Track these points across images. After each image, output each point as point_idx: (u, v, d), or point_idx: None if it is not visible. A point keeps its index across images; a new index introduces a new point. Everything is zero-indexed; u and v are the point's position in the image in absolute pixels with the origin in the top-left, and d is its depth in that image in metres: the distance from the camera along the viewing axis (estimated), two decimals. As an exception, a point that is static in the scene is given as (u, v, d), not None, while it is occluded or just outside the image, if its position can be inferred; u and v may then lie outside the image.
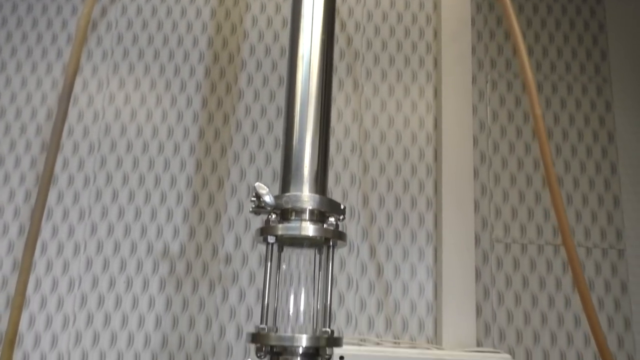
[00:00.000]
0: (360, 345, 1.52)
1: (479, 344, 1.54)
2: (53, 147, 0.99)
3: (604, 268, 1.61)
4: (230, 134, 1.69)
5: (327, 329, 0.86)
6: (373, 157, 1.69)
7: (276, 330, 0.89)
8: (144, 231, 1.62)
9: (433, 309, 1.59)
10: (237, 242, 1.62)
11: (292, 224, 0.90)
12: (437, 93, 1.72)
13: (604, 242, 1.63)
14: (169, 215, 1.63)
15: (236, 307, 1.58)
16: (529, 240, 1.64)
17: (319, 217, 0.92)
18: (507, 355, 1.45)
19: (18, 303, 0.84)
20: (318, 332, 0.88)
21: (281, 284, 0.94)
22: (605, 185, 1.66)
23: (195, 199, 1.65)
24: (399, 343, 1.55)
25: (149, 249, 1.61)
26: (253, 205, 0.91)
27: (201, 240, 1.62)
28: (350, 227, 1.63)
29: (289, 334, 0.88)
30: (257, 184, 0.89)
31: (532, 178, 1.68)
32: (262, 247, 1.62)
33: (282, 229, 0.89)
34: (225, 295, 1.59)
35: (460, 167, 1.63)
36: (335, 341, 0.87)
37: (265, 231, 0.90)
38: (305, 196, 0.91)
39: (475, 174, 1.65)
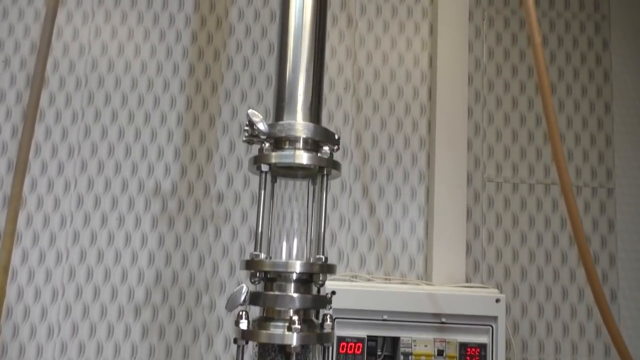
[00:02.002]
0: (352, 281, 1.55)
1: (468, 281, 1.57)
2: (37, 82, 0.96)
3: (592, 206, 1.63)
4: (221, 71, 1.66)
5: (321, 256, 0.87)
6: (366, 96, 1.67)
7: (270, 258, 0.90)
8: (134, 169, 1.60)
9: (424, 247, 1.61)
10: (229, 180, 1.61)
11: (286, 152, 0.89)
12: (432, 30, 1.68)
13: (594, 181, 1.64)
14: (160, 153, 1.61)
15: (229, 245, 1.59)
16: (520, 179, 1.65)
17: (313, 146, 0.92)
18: (495, 290, 1.48)
19: (10, 230, 0.84)
20: (312, 259, 0.89)
21: (275, 213, 0.94)
22: (598, 125, 1.66)
23: (186, 137, 1.62)
24: (389, 280, 1.58)
25: (140, 187, 1.60)
26: (246, 134, 0.90)
27: (193, 178, 1.61)
28: (343, 166, 1.61)
29: (282, 260, 0.89)
30: (250, 110, 0.87)
31: (526, 117, 1.67)
32: (254, 186, 1.62)
33: (275, 157, 0.88)
34: (217, 233, 1.59)
35: (454, 106, 1.61)
36: (329, 268, 0.88)
37: (258, 160, 0.89)
38: (299, 124, 0.90)
39: (469, 113, 1.64)
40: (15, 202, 0.84)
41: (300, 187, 1.01)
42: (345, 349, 1.40)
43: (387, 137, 1.65)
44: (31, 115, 0.85)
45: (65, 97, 1.61)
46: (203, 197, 1.60)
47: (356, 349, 1.41)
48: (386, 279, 1.57)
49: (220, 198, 1.60)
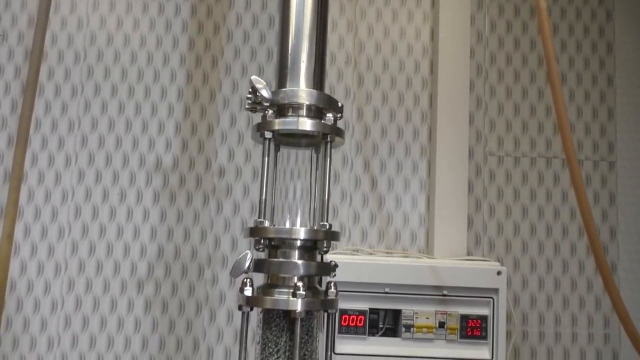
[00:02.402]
0: (354, 255, 1.55)
1: (469, 254, 1.57)
2: (36, 53, 0.95)
3: (594, 180, 1.63)
4: (221, 45, 1.64)
5: (325, 223, 0.87)
6: (368, 70, 1.65)
7: (273, 226, 0.90)
8: (135, 143, 1.59)
9: (425, 221, 1.62)
10: (231, 155, 1.61)
11: (289, 119, 0.88)
12: (434, 2, 1.66)
13: (596, 154, 1.64)
14: (161, 127, 1.60)
15: (230, 219, 1.59)
16: (522, 153, 1.64)
17: (316, 113, 0.91)
18: (497, 263, 1.49)
19: (13, 199, 0.83)
20: (316, 226, 0.89)
21: (279, 181, 0.94)
22: (600, 98, 1.66)
23: (186, 111, 1.61)
24: (391, 253, 1.59)
25: (142, 162, 1.59)
26: (249, 102, 0.89)
27: (194, 153, 1.61)
28: (345, 141, 1.61)
29: (287, 226, 0.89)
30: (253, 77, 0.87)
31: (528, 91, 1.66)
32: (256, 161, 1.62)
33: (279, 123, 0.88)
34: (219, 208, 1.59)
35: (456, 80, 1.60)
36: (333, 235, 0.88)
37: (262, 127, 0.89)
38: (303, 91, 0.89)
39: (471, 86, 1.63)
40: (17, 170, 0.84)
41: (303, 161, 1.01)
42: (347, 322, 1.41)
43: (389, 111, 1.64)
44: (32, 82, 0.84)
45: (64, 71, 1.59)
46: (204, 171, 1.60)
47: (358, 322, 1.42)
48: (388, 253, 1.58)
49: (221, 172, 1.60)
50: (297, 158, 1.00)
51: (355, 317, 1.42)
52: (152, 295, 1.55)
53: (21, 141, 0.86)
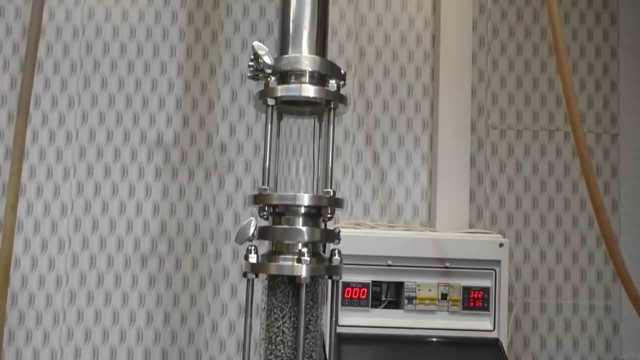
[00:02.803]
0: (356, 228, 1.56)
1: (471, 228, 1.58)
2: (35, 28, 0.94)
3: (596, 152, 1.63)
4: (220, 19, 1.62)
5: (329, 190, 0.87)
6: (369, 43, 1.64)
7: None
8: (136, 119, 1.59)
9: (427, 195, 1.62)
10: (232, 130, 1.60)
11: (292, 86, 0.88)
12: (436, -26, 1.64)
13: (599, 127, 1.64)
14: (161, 103, 1.60)
15: (233, 195, 1.59)
16: (524, 126, 1.64)
17: (319, 80, 0.90)
18: (499, 235, 1.50)
19: (16, 170, 0.83)
20: (320, 192, 0.89)
21: (282, 149, 0.94)
22: (604, 70, 1.64)
23: (187, 86, 1.60)
24: (393, 227, 1.59)
25: (143, 138, 1.59)
26: (251, 69, 0.89)
27: (195, 128, 1.60)
28: (346, 115, 1.61)
29: (291, 193, 0.89)
30: (255, 43, 0.86)
31: (530, 63, 1.65)
32: (257, 136, 1.62)
33: (281, 90, 0.87)
34: (221, 184, 1.59)
35: (458, 53, 1.59)
36: (337, 202, 0.88)
37: (264, 94, 0.88)
38: (305, 58, 0.88)
39: (473, 59, 1.62)
40: (20, 141, 0.84)
41: (305, 135, 1.00)
42: (350, 294, 1.42)
43: (390, 85, 1.63)
44: (31, 54, 0.84)
45: (62, 47, 1.58)
46: (206, 147, 1.60)
47: (361, 294, 1.43)
48: (390, 227, 1.58)
49: (223, 148, 1.60)
50: (299, 132, 1.00)
51: (358, 290, 1.43)
52: (156, 271, 1.56)
53: (22, 112, 0.86)
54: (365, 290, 1.43)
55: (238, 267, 1.58)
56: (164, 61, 1.60)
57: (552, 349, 1.60)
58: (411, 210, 1.61)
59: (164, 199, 1.58)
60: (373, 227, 1.57)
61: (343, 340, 1.36)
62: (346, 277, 1.42)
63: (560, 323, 1.60)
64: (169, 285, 1.56)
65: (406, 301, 1.42)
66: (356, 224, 1.58)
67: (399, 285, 1.43)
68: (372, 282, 1.43)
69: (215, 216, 1.58)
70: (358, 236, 1.45)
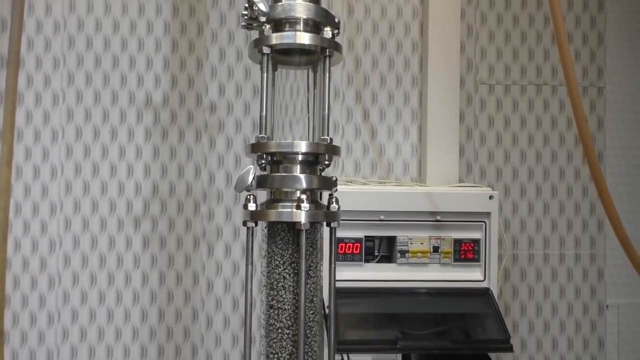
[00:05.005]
0: (348, 185, 1.57)
1: (461, 182, 1.60)
2: None
3: (583, 105, 1.65)
4: (206, -24, 1.59)
5: (326, 137, 0.88)
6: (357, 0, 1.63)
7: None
8: (123, 80, 1.57)
9: (417, 151, 1.63)
10: (221, 90, 1.59)
11: (287, 33, 0.87)
12: None
13: (585, 80, 1.65)
14: (149, 63, 1.57)
15: (224, 154, 1.59)
16: (512, 80, 1.65)
17: (313, 28, 0.90)
18: (488, 188, 1.52)
19: (9, 124, 0.82)
20: (317, 140, 0.89)
21: (278, 99, 0.93)
22: (591, 23, 1.65)
23: (174, 46, 1.58)
24: (384, 183, 1.60)
25: (131, 99, 1.57)
26: (245, 17, 0.88)
27: (184, 88, 1.58)
28: (336, 73, 1.61)
29: (288, 141, 0.89)
30: (249, -11, 0.85)
31: (519, 18, 1.65)
32: (247, 95, 1.61)
33: (276, 38, 0.87)
34: (212, 144, 1.59)
35: (447, 8, 1.58)
36: (334, 149, 0.89)
37: (259, 42, 0.88)
38: (300, 5, 0.88)
39: (462, 14, 1.61)
40: (12, 94, 0.82)
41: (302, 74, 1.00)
42: (343, 249, 1.44)
43: (379, 41, 1.63)
44: (19, 3, 0.82)
45: (44, 6, 1.54)
46: (195, 107, 1.58)
47: (354, 249, 1.45)
48: (381, 183, 1.60)
49: (212, 108, 1.59)
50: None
51: (351, 245, 1.45)
52: (150, 232, 1.56)
53: (12, 63, 0.84)
54: (359, 245, 1.45)
55: (231, 226, 1.59)
56: (150, 20, 1.57)
57: (540, 298, 1.65)
58: (402, 166, 1.63)
59: (155, 160, 1.57)
60: (364, 184, 1.58)
61: (338, 294, 1.38)
62: (339, 233, 1.43)
63: (548, 272, 1.65)
64: (163, 246, 1.57)
65: (399, 255, 1.45)
66: (347, 181, 1.59)
67: (392, 240, 1.45)
68: (365, 237, 1.45)
69: (207, 176, 1.58)
70: (350, 192, 1.46)
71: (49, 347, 1.52)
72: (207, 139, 1.59)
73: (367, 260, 1.45)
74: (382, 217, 1.44)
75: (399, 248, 1.45)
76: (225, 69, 1.59)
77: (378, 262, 1.46)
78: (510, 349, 1.35)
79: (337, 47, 0.89)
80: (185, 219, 1.57)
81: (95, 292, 1.54)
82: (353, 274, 1.43)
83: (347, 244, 1.45)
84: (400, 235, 1.45)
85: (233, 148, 1.59)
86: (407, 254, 1.45)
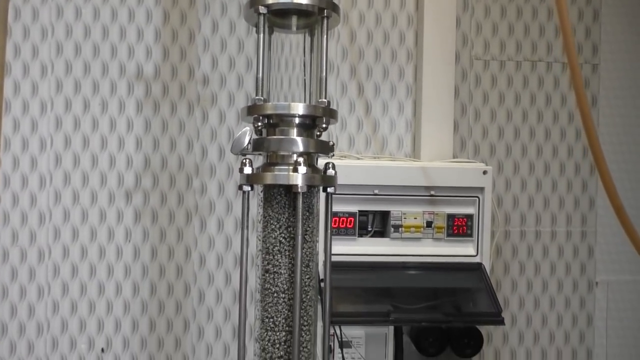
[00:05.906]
0: (342, 159, 1.56)
1: (455, 158, 1.60)
2: None
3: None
4: (198, -55, 1.56)
5: (324, 100, 0.86)
6: (353, -28, 1.60)
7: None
8: (114, 51, 1.54)
9: (412, 127, 1.62)
10: (214, 62, 1.57)
11: (284, -7, 0.85)
12: None
13: (580, 57, 1.65)
14: (139, 34, 1.54)
15: (217, 128, 1.57)
16: (507, 56, 1.64)
17: (311, -11, 0.88)
18: (482, 163, 1.52)
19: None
20: (315, 102, 0.88)
21: (274, 62, 0.92)
22: (586, -1, 1.65)
23: (165, 16, 1.55)
24: (378, 159, 1.60)
25: (121, 70, 1.54)
26: (241, -23, 0.85)
27: (176, 60, 1.56)
28: (330, 47, 1.59)
29: (285, 102, 0.88)
30: (245, -54, 0.82)
31: (515, -8, 1.64)
32: (240, 68, 1.58)
33: (273, -3, 0.85)
34: (205, 117, 1.57)
35: (443, -18, 1.57)
36: (331, 112, 0.88)
37: (255, 2, 0.86)
38: (297, -36, 0.86)
39: (458, -12, 1.60)
40: (0, 57, 0.80)
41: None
42: (337, 224, 1.44)
43: (374, 15, 1.61)
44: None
45: (32, -27, 1.50)
46: (187, 80, 1.56)
47: (348, 223, 1.45)
48: (375, 159, 1.59)
49: (205, 81, 1.56)
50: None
51: (345, 219, 1.44)
52: (141, 206, 1.55)
53: (0, 23, 0.81)
54: (352, 219, 1.44)
55: (224, 201, 1.58)
56: (140, -10, 1.54)
57: (531, 274, 1.66)
58: (396, 141, 1.62)
59: (147, 133, 1.55)
60: (358, 159, 1.57)
61: (332, 268, 1.38)
62: (333, 207, 1.43)
63: (539, 249, 1.66)
64: (155, 220, 1.55)
65: (392, 229, 1.45)
66: (341, 156, 1.58)
67: (385, 214, 1.45)
68: (359, 211, 1.44)
69: (200, 150, 1.57)
70: (345, 165, 1.44)
71: (39, 320, 1.51)
72: (200, 112, 1.56)
73: (360, 235, 1.45)
74: (376, 192, 1.43)
75: (392, 223, 1.45)
76: (218, 41, 1.57)
77: (371, 236, 1.46)
78: (501, 322, 1.36)
79: (335, 7, 0.87)
80: (177, 193, 1.56)
81: (86, 266, 1.53)
82: (346, 248, 1.43)
83: (341, 218, 1.44)
84: (394, 210, 1.45)
85: (226, 122, 1.57)
86: (400, 229, 1.45)
